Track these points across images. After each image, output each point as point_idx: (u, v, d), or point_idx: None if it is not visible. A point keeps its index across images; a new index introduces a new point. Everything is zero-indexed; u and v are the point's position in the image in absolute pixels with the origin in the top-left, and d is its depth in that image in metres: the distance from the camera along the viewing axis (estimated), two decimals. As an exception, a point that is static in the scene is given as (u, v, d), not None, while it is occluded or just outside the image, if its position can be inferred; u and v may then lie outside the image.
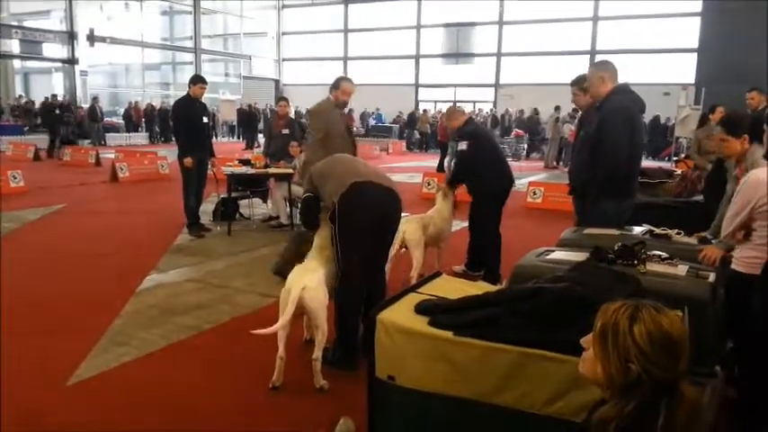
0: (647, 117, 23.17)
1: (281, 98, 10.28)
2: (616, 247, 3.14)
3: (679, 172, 7.07)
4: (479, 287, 2.94)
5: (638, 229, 3.96)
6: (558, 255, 3.28)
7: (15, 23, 25.70)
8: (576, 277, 2.53)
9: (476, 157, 5.77)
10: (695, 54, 25.93)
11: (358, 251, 3.75)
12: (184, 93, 7.81)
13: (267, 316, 4.77)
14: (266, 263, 6.48)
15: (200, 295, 5.28)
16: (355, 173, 3.90)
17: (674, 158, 16.03)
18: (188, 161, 7.44)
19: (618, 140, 4.11)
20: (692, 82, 23.75)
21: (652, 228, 3.89)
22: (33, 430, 3.10)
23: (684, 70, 25.55)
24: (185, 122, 7.59)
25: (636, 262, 3.06)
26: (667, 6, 26.24)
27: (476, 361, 2.28)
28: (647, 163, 17.37)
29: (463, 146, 5.83)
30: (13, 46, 24.85)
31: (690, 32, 26.02)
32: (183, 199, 7.70)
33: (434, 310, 2.49)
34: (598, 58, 26.25)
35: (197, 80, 7.70)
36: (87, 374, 3.69)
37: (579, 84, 5.00)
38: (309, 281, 3.54)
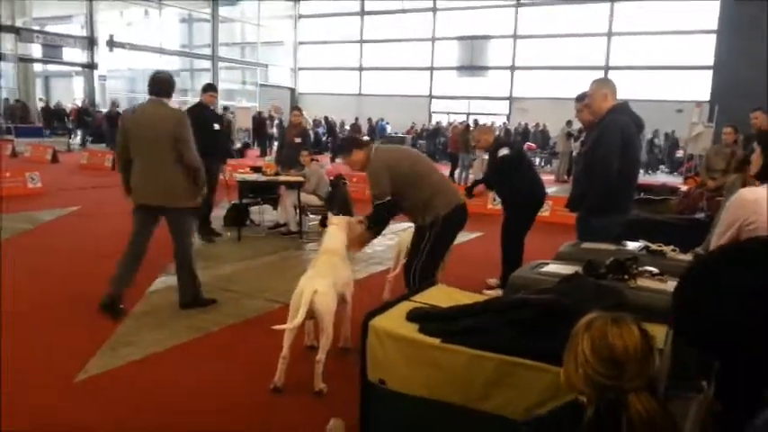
0: (661, 132, 23.19)
1: (294, 107, 10.47)
2: (608, 262, 3.23)
3: (684, 189, 7.13)
4: (472, 297, 3.04)
5: (635, 245, 4.04)
6: (552, 267, 3.38)
7: (37, 28, 26.20)
8: (562, 289, 2.63)
9: (516, 163, 5.91)
10: (710, 71, 25.85)
11: (441, 258, 4.51)
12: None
13: (273, 320, 4.89)
14: (274, 269, 6.63)
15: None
16: (452, 190, 4.57)
17: (686, 175, 16.01)
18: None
19: (609, 157, 4.21)
20: (707, 99, 23.69)
21: (648, 244, 3.97)
22: (42, 425, 3.22)
23: (698, 87, 25.48)
24: (196, 129, 7.73)
25: (626, 277, 3.15)
26: (682, 23, 26.23)
27: (462, 367, 2.38)
28: (651, 179, 17.40)
29: (505, 150, 5.92)
30: (35, 50, 25.32)
31: (705, 49, 25.97)
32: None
33: (425, 318, 2.60)
34: (612, 73, 26.33)
35: (208, 88, 7.90)
36: (95, 371, 3.82)
37: (582, 100, 5.09)
38: (320, 285, 3.67)
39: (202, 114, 7.77)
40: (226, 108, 24.05)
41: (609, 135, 4.30)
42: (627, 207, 4.65)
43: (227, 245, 7.67)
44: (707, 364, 3.05)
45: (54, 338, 4.38)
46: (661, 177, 20.97)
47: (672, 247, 3.91)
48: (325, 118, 26.07)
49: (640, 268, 3.28)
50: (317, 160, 9.10)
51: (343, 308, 4.07)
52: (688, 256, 3.86)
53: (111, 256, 6.73)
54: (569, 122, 18.62)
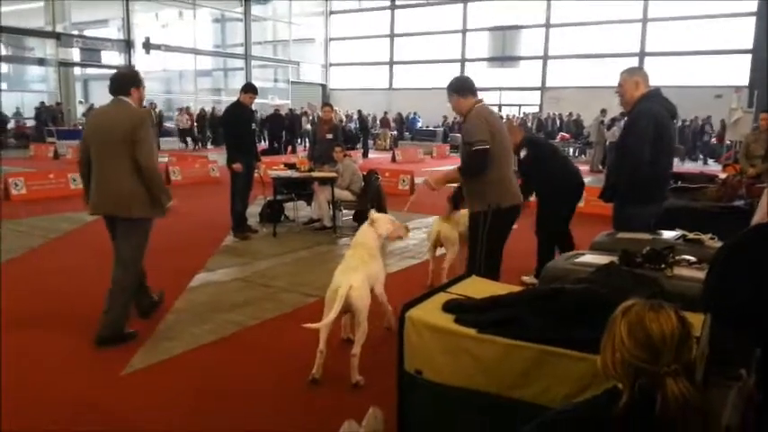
0: (700, 120, 22.65)
1: (325, 103, 10.54)
2: (644, 251, 3.21)
3: (722, 177, 6.98)
4: (507, 288, 3.06)
5: (671, 234, 3.99)
6: (587, 258, 3.37)
7: (76, 33, 26.86)
8: (597, 279, 2.63)
9: (540, 158, 5.93)
10: (749, 55, 25.16)
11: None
12: (235, 98, 8.12)
13: (309, 313, 4.97)
14: (309, 263, 6.73)
15: (245, 293, 5.53)
16: (516, 189, 4.49)
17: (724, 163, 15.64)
18: (237, 166, 7.73)
19: (640, 146, 4.16)
20: (746, 84, 23.08)
21: (685, 233, 3.92)
22: (91, 420, 3.35)
23: (737, 72, 24.82)
24: (235, 129, 7.89)
25: (663, 266, 3.13)
26: (719, 6, 25.55)
27: (498, 357, 2.40)
28: (690, 167, 17.02)
29: (523, 152, 5.91)
30: (74, 54, 25.96)
31: (744, 33, 25.26)
32: (231, 203, 7.99)
33: (461, 309, 2.63)
34: (648, 60, 25.83)
35: (248, 89, 7.99)
36: (140, 365, 3.95)
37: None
38: (355, 280, 3.74)
39: (242, 113, 7.92)
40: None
41: (639, 123, 4.26)
42: (662, 196, 4.59)
43: (262, 241, 7.80)
44: (748, 352, 3.02)
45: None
46: (698, 165, 20.51)
47: (710, 235, 3.85)
48: (359, 113, 26.12)
49: (677, 257, 3.25)
50: (350, 156, 9.16)
51: (374, 300, 4.10)
52: (727, 245, 3.80)
53: (153, 255, 6.96)
54: (604, 111, 18.36)
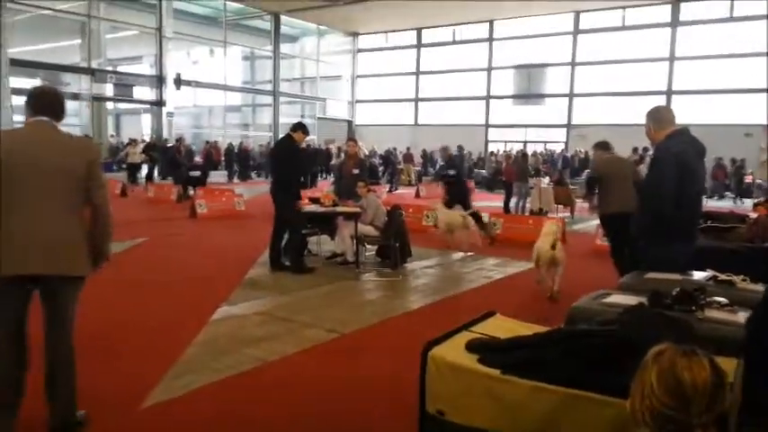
0: (727, 158, 22.35)
1: (350, 138, 10.63)
2: (674, 293, 3.13)
3: (754, 216, 6.84)
4: (531, 328, 2.99)
5: (701, 275, 3.90)
6: (615, 298, 3.29)
7: (110, 68, 27.69)
8: (625, 320, 2.56)
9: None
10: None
11: None
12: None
13: (332, 351, 4.95)
14: (332, 299, 6.69)
15: (267, 328, 5.50)
16: None
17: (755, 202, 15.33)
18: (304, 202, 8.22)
19: (661, 185, 4.10)
20: (776, 122, 22.79)
21: (716, 273, 3.82)
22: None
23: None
24: (296, 166, 8.15)
25: (694, 308, 3.04)
26: (746, 45, 25.45)
27: (523, 400, 2.34)
28: (717, 205, 16.72)
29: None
30: (108, 89, 26.72)
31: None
32: (277, 239, 8.07)
33: (485, 349, 2.57)
34: (675, 98, 25.72)
35: (299, 128, 8.16)
36: (161, 398, 3.92)
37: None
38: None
39: (298, 152, 8.21)
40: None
41: (661, 162, 4.22)
42: (691, 235, 4.49)
43: (285, 275, 7.78)
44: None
45: (123, 364, 4.53)
46: (728, 204, 20.16)
47: (742, 276, 3.75)
48: (387, 150, 26.32)
49: (708, 299, 3.16)
50: (374, 191, 9.19)
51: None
52: (760, 287, 3.70)
53: (176, 287, 7.03)
54: (635, 149, 18.21)
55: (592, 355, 2.33)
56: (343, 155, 24.07)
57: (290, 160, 8.03)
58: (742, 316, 2.95)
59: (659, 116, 4.34)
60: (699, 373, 1.50)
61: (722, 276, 3.75)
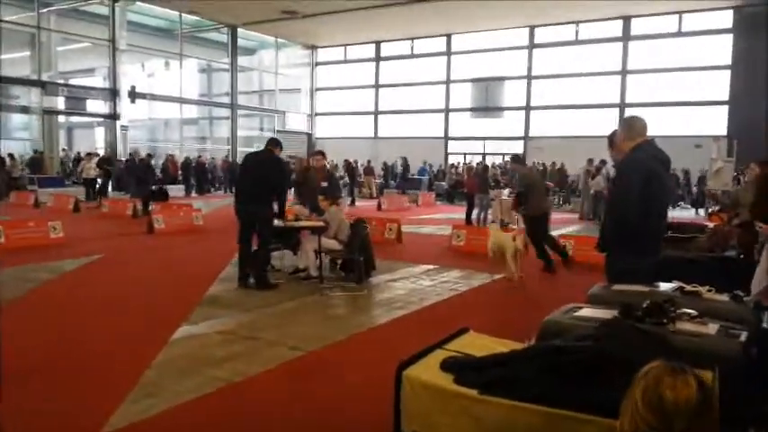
0: (680, 168, 23.03)
1: (317, 152, 10.52)
2: (644, 305, 3.12)
3: (711, 226, 6.99)
4: (507, 344, 2.94)
5: (667, 286, 3.91)
6: (587, 312, 3.27)
7: (62, 81, 26.95)
8: (602, 335, 2.53)
9: None
10: (726, 106, 25.88)
11: None
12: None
13: (297, 369, 4.82)
14: (295, 315, 6.55)
15: (229, 347, 5.33)
16: None
17: (708, 212, 15.82)
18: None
19: (628, 196, 4.12)
20: (724, 134, 23.63)
21: (682, 284, 3.85)
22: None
23: (716, 122, 25.47)
24: (285, 180, 8.06)
25: (665, 320, 3.04)
26: (696, 59, 26.39)
27: (501, 419, 2.28)
28: (675, 216, 17.18)
29: None
30: (59, 102, 25.99)
31: (720, 85, 26.05)
32: (248, 256, 7.83)
33: (460, 368, 2.50)
34: (628, 110, 26.41)
35: (279, 144, 8.20)
36: (119, 425, 3.73)
37: (610, 139, 5.05)
38: None
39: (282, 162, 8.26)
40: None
41: (627, 174, 4.24)
42: (657, 246, 4.52)
43: (247, 291, 7.60)
44: (759, 412, 2.91)
45: (78, 389, 4.31)
46: (683, 213, 20.73)
47: (707, 287, 3.78)
48: (346, 161, 26.27)
49: (678, 311, 3.16)
50: (337, 204, 9.09)
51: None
52: (725, 297, 3.73)
53: (134, 306, 6.78)
54: (590, 161, 18.58)
55: (569, 371, 2.29)
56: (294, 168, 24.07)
57: (280, 174, 7.92)
58: (712, 327, 2.96)
59: (632, 125, 4.35)
60: (681, 391, 1.46)
61: (688, 287, 3.77)
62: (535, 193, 9.59)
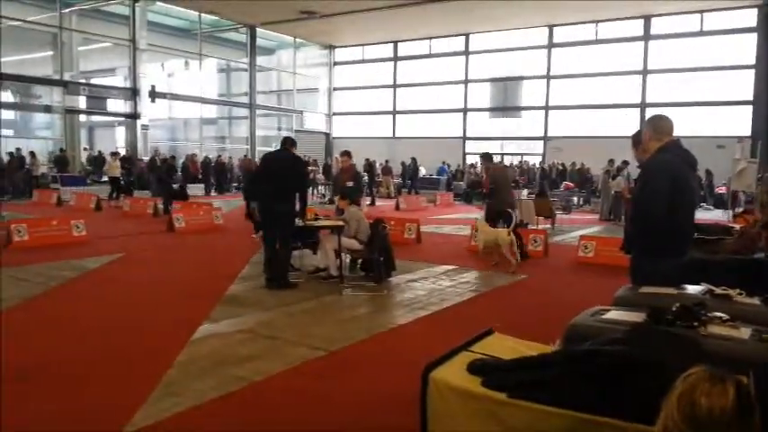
0: (703, 169, 22.73)
1: (344, 152, 10.60)
2: (674, 308, 3.06)
3: (737, 228, 6.87)
4: (533, 347, 2.91)
5: (696, 289, 3.84)
6: (614, 315, 3.21)
7: (83, 81, 27.26)
8: (633, 339, 2.48)
9: None
10: (750, 107, 25.48)
11: None
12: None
13: (318, 369, 4.81)
14: (315, 315, 6.55)
15: (250, 346, 5.34)
16: None
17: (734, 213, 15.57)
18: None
19: (655, 197, 4.05)
20: (748, 134, 23.29)
21: (711, 287, 3.77)
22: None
23: (739, 123, 25.10)
24: (306, 179, 8.10)
25: (696, 324, 2.98)
26: (719, 59, 26.03)
27: (530, 424, 2.24)
28: (701, 217, 16.95)
29: None
30: (81, 102, 26.29)
31: (744, 85, 25.65)
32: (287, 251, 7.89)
33: (487, 370, 2.47)
34: (648, 110, 26.13)
35: (295, 142, 8.23)
36: (142, 424, 3.75)
37: (634, 139, 4.98)
38: None
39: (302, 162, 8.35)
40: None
41: (654, 175, 4.16)
42: (684, 249, 4.45)
43: (267, 290, 7.62)
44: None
45: (101, 388, 4.34)
46: (705, 214, 20.46)
47: (738, 290, 3.70)
48: (367, 161, 26.30)
49: (709, 314, 3.10)
50: (356, 204, 9.08)
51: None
52: (756, 301, 3.66)
53: (155, 305, 6.82)
54: (611, 161, 18.40)
55: (601, 376, 2.24)
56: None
57: (301, 173, 8.03)
58: (745, 332, 2.90)
59: (659, 125, 4.28)
60: (717, 400, 1.41)
61: (718, 290, 3.70)
62: (502, 189, 10.74)
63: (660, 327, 2.78)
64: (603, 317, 3.18)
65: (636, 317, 3.04)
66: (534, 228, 13.62)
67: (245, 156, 30.03)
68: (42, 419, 3.82)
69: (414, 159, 29.08)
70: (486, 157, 11.52)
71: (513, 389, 2.33)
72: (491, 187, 10.77)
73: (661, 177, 4.08)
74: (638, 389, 2.20)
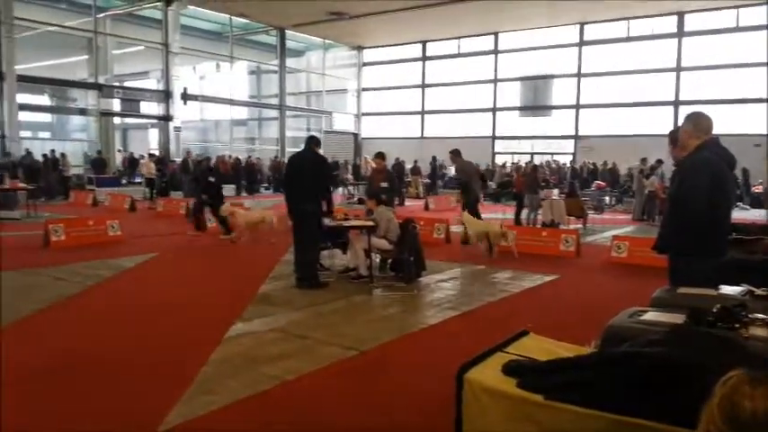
0: (739, 167, 22.20)
1: (378, 154, 10.69)
2: (715, 310, 2.99)
3: (777, 228, 6.68)
4: (569, 348, 2.86)
5: (735, 289, 3.75)
6: (652, 316, 3.15)
7: (117, 84, 27.80)
8: (674, 341, 2.43)
9: None
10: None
11: None
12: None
13: (351, 368, 4.82)
14: (346, 314, 6.56)
15: (282, 345, 5.37)
16: None
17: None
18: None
19: (695, 196, 3.96)
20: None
21: (752, 288, 3.68)
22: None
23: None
24: (332, 179, 8.18)
25: (737, 325, 2.90)
26: (753, 55, 25.37)
27: (567, 427, 2.21)
28: (739, 216, 16.55)
29: None
30: (115, 104, 26.81)
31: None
32: (303, 254, 7.90)
33: (523, 371, 2.44)
34: (682, 108, 25.62)
35: (319, 141, 8.33)
36: (178, 421, 3.79)
37: (672, 136, 4.89)
38: None
39: (327, 162, 8.21)
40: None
41: (694, 173, 4.08)
42: (722, 249, 4.35)
43: (298, 290, 7.66)
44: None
45: (137, 385, 4.41)
46: (740, 214, 19.98)
47: (780, 291, 3.60)
48: (396, 160, 26.29)
49: (750, 315, 3.02)
50: (385, 203, 9.07)
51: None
52: (799, 302, 3.55)
53: (189, 304, 6.91)
54: (644, 160, 18.09)
55: (641, 378, 2.20)
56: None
57: (328, 172, 8.12)
58: (789, 334, 2.82)
59: (699, 122, 4.20)
60: (761, 402, 1.37)
61: (759, 291, 3.60)
62: (473, 183, 11.91)
63: (703, 329, 2.71)
64: (642, 318, 3.12)
65: (675, 318, 2.98)
66: (565, 228, 13.46)
67: (276, 157, 30.33)
68: (80, 415, 3.90)
69: (434, 158, 28.84)
70: (455, 152, 12.12)
71: (549, 391, 2.29)
72: (464, 181, 11.87)
73: (701, 174, 4.00)
74: (679, 392, 2.15)
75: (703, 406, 1.50)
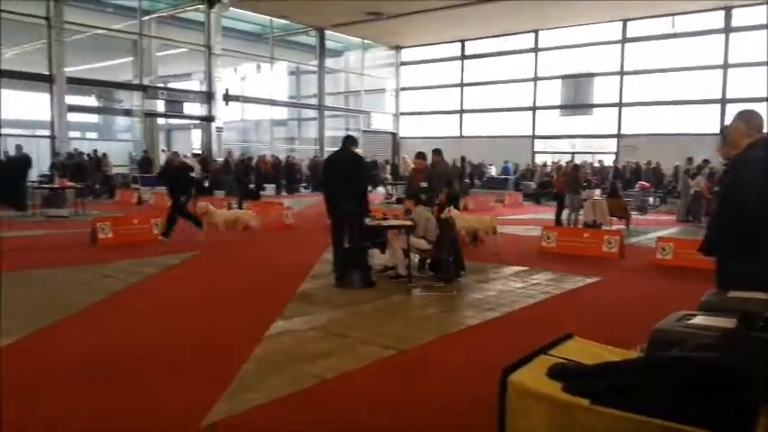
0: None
1: (419, 154, 10.71)
2: (767, 314, 2.90)
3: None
4: (615, 352, 2.81)
5: (788, 294, 3.63)
6: (702, 320, 3.07)
7: (161, 85, 28.40)
8: (724, 346, 2.36)
9: None
10: None
11: None
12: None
13: (390, 368, 4.82)
14: (385, 313, 6.58)
15: (322, 343, 5.42)
16: None
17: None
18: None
19: (746, 196, 3.84)
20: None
21: (806, 292, 3.55)
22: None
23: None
24: (369, 178, 8.27)
25: (791, 331, 2.81)
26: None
27: (614, 432, 2.17)
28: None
29: None
30: (159, 105, 27.39)
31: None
32: (343, 254, 7.93)
33: (568, 375, 2.41)
34: (729, 107, 24.89)
35: (356, 141, 8.47)
36: (219, 417, 3.86)
37: (723, 133, 4.76)
38: None
39: (365, 162, 8.33)
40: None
41: (745, 172, 3.96)
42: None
43: (338, 289, 7.71)
44: None
45: (180, 381, 4.50)
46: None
47: (835, 296, 3.47)
48: (455, 161, 26.15)
49: (805, 321, 2.92)
50: (423, 203, 9.05)
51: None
52: None
53: (231, 301, 7.03)
54: (690, 160, 17.64)
55: (691, 384, 2.15)
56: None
57: (365, 171, 8.18)
58: None
59: (752, 120, 4.08)
60: None
61: (814, 296, 3.48)
62: (455, 182, 12.81)
63: (756, 334, 2.63)
64: (690, 322, 3.05)
65: (725, 322, 2.90)
66: (608, 228, 13.22)
67: (315, 156, 30.57)
68: (124, 410, 3.99)
69: (462, 158, 28.12)
70: (437, 152, 11.95)
71: (595, 395, 2.26)
72: (449, 180, 11.87)
73: (753, 172, 3.89)
74: (730, 397, 2.09)
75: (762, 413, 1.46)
